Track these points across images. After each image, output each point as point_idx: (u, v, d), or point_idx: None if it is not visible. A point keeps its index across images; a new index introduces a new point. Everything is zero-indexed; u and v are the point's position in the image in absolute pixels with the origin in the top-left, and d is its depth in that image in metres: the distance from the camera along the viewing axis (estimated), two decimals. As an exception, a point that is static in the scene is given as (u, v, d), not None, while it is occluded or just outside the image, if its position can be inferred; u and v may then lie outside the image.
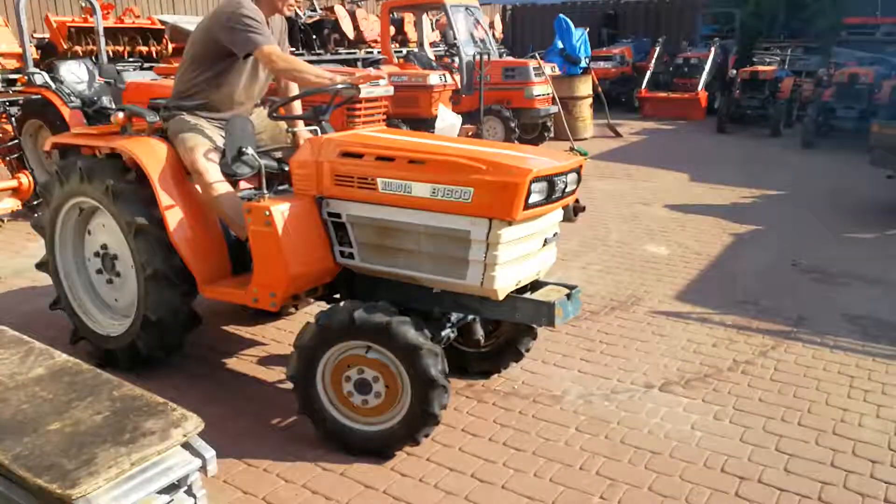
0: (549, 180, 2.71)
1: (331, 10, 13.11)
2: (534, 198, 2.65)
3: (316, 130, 3.15)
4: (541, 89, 10.48)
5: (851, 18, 14.69)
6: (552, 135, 11.14)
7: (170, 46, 10.63)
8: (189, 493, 2.48)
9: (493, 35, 17.62)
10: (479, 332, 3.27)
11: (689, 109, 13.82)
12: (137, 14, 10.52)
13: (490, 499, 2.62)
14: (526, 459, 2.87)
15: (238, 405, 3.29)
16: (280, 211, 2.88)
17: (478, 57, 9.62)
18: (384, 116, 8.14)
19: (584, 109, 11.57)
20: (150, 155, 3.27)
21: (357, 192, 2.91)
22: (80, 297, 3.69)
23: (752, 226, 6.55)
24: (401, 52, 12.22)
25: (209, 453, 2.41)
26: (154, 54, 10.47)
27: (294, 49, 12.09)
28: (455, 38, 10.24)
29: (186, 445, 2.42)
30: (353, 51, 13.21)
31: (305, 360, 2.83)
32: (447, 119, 8.14)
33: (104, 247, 3.55)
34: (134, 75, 7.31)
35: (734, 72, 13.17)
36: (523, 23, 20.66)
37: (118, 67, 7.73)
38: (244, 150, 3.02)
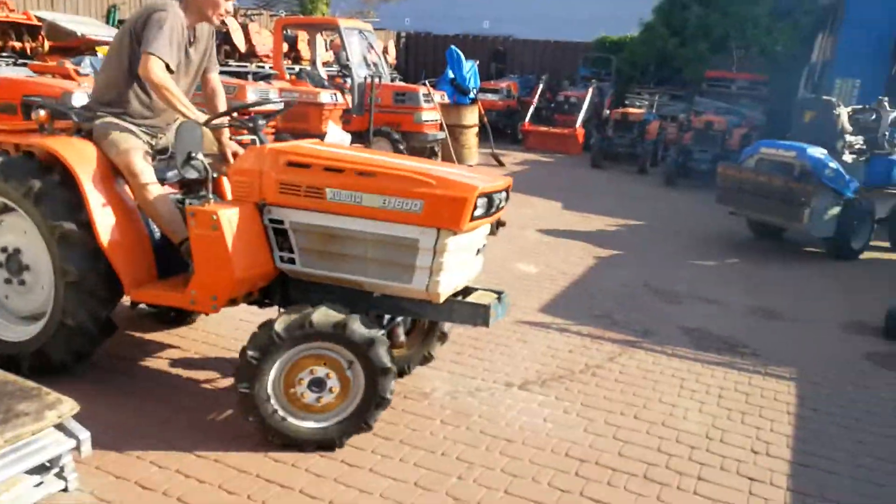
0: (489, 196, 3.02)
1: (223, 22, 12.98)
2: (477, 211, 2.95)
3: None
4: (429, 115, 10.90)
5: (712, 72, 16.24)
6: (439, 160, 11.57)
7: (46, 44, 10.20)
8: (60, 475, 2.54)
9: (386, 60, 18.04)
10: (402, 336, 3.52)
11: (568, 144, 14.75)
12: (12, 8, 10.03)
13: (357, 480, 2.84)
14: (393, 447, 3.11)
15: (121, 400, 3.33)
16: (227, 216, 2.96)
17: (369, 79, 9.93)
18: (273, 131, 8.24)
19: (471, 138, 12.09)
20: (79, 155, 3.22)
21: (303, 200, 3.05)
22: None
23: (614, 251, 7.17)
24: (293, 69, 12.30)
25: (84, 434, 2.51)
26: (28, 51, 10.01)
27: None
28: (348, 60, 10.51)
29: (61, 427, 2.49)
30: (244, 64, 13.14)
31: (257, 366, 2.86)
32: (336, 136, 8.28)
33: (4, 249, 3.40)
34: (6, 70, 7.05)
35: (608, 112, 14.22)
36: (417, 51, 21.27)
37: (-10, 61, 7.42)
38: (194, 155, 3.02)
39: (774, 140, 7.78)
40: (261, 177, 3.09)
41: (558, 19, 24.79)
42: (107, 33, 10.98)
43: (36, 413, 2.40)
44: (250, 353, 2.88)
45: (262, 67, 13.15)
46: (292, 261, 3.18)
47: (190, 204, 3.12)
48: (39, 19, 10.58)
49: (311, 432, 2.98)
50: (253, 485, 2.75)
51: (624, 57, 17.60)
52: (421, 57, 20.97)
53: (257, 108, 3.64)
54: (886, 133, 7.76)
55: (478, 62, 18.24)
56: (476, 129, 12.31)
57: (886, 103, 7.98)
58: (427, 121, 10.86)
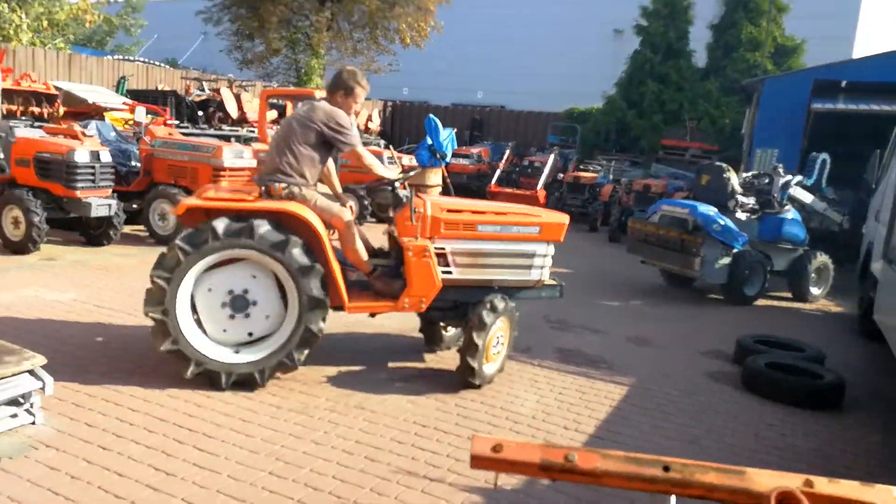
0: None
1: (217, 91, 14.52)
2: None
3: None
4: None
5: (668, 140, 17.68)
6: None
7: (61, 109, 11.61)
8: (30, 412, 3.63)
9: (368, 127, 19.59)
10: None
11: (530, 204, 15.97)
12: (34, 79, 11.48)
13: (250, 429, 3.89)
14: (281, 412, 4.15)
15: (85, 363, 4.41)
16: (430, 247, 4.65)
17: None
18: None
19: (433, 195, 13.29)
20: (310, 215, 4.45)
21: (461, 233, 4.79)
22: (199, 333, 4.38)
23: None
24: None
25: (49, 380, 3.61)
26: (45, 115, 11.41)
27: (179, 122, 13.34)
28: (322, 126, 11.86)
29: (32, 373, 3.59)
30: (235, 128, 14.58)
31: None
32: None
33: (231, 291, 4.37)
34: (24, 131, 8.35)
35: (561, 176, 15.54)
36: (401, 118, 22.94)
37: (10, 124, 8.74)
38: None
39: (673, 199, 8.95)
40: (431, 220, 4.72)
41: (542, 92, 26.63)
42: (115, 101, 12.41)
43: (15, 362, 3.50)
44: None
45: (253, 131, 14.59)
46: (450, 273, 4.82)
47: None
48: (57, 88, 12.04)
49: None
50: (169, 429, 3.81)
51: (587, 126, 19.08)
52: (406, 124, 22.58)
53: (409, 176, 5.00)
54: (777, 195, 8.93)
55: (456, 129, 19.75)
56: (439, 189, 13.53)
57: (781, 169, 9.20)
58: (391, 181, 12.05)
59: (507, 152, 17.48)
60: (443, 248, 4.75)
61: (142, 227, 9.18)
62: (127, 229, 9.52)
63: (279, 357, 4.41)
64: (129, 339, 5.28)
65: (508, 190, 16.57)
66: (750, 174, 9.44)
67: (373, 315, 5.44)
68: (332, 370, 4.97)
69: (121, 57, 17.09)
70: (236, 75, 22.39)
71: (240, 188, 4.80)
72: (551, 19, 31.08)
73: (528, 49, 31.72)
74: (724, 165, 8.90)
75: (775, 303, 9.06)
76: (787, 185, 8.95)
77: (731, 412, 4.95)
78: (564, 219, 5.08)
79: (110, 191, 8.16)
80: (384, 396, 4.58)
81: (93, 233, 8.35)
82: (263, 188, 4.54)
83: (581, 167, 16.34)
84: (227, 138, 11.44)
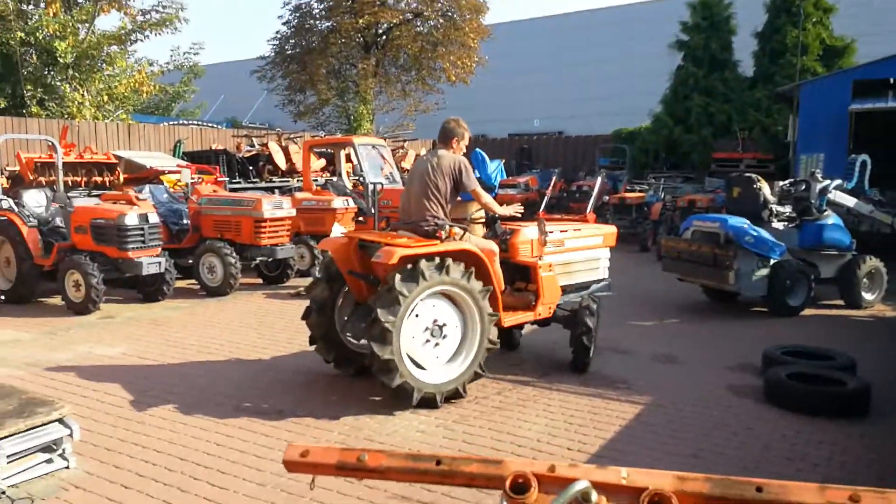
0: None
1: (265, 145, 15.32)
2: None
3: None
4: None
5: (719, 154, 17.37)
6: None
7: (121, 177, 12.54)
8: (63, 457, 4.02)
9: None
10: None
11: (580, 229, 15.98)
12: (95, 151, 12.48)
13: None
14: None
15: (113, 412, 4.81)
16: (552, 263, 5.94)
17: (378, 186, 11.66)
18: (288, 233, 9.99)
19: (476, 228, 13.51)
20: (479, 250, 5.36)
21: (557, 249, 6.00)
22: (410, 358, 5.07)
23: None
24: (329, 180, 14.31)
25: (75, 425, 3.99)
26: (108, 183, 12.35)
27: (231, 178, 14.15)
28: (361, 171, 12.35)
29: (62, 421, 3.98)
30: (286, 179, 15.31)
31: None
32: (337, 233, 9.97)
33: (435, 321, 5.14)
34: (81, 201, 9.14)
35: (607, 198, 15.49)
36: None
37: (70, 195, 9.57)
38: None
39: (705, 214, 8.85)
40: (537, 243, 5.88)
41: (599, 113, 26.64)
42: (171, 164, 13.31)
43: (45, 413, 3.91)
44: None
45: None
46: None
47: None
48: (117, 157, 13.02)
49: None
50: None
51: (636, 146, 18.95)
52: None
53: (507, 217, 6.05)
54: (815, 201, 8.71)
55: (504, 160, 20.05)
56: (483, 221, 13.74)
57: (819, 174, 8.98)
58: (433, 217, 12.37)
59: (554, 179, 17.57)
60: (549, 262, 5.86)
61: (194, 281, 9.78)
62: (182, 284, 10.18)
63: (473, 368, 5.25)
64: (164, 383, 5.69)
65: (557, 216, 16.63)
66: (787, 182, 9.24)
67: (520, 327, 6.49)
68: (345, 402, 5.21)
69: (176, 122, 18.33)
70: (291, 128, 23.50)
71: (397, 234, 5.49)
72: (604, 42, 31.21)
73: (582, 74, 31.91)
74: (753, 176, 8.77)
75: (826, 311, 8.76)
76: (825, 190, 8.72)
77: (744, 425, 4.88)
78: (614, 229, 6.73)
79: (160, 249, 8.78)
80: (393, 427, 4.78)
81: (148, 289, 8.98)
82: (430, 230, 5.32)
83: (627, 188, 16.23)
84: (273, 190, 12.05)
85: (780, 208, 8.70)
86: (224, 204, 9.72)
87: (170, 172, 12.46)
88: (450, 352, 5.24)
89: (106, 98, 17.05)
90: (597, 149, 20.25)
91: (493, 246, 5.60)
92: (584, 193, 16.96)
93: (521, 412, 5.10)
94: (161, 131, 16.27)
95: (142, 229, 8.43)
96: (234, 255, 9.31)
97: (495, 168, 19.65)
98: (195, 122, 19.10)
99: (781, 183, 9.16)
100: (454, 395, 5.21)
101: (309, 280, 9.57)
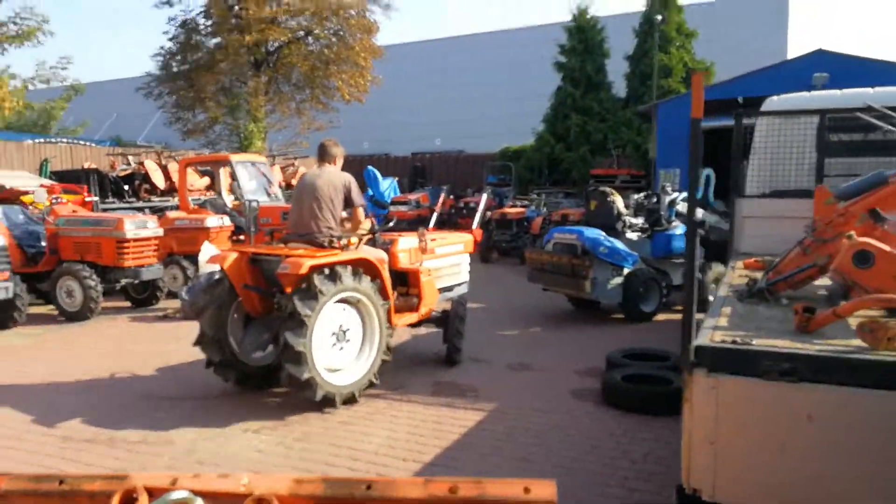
0: None
1: (142, 164, 14.81)
2: None
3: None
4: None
5: (596, 170, 18.19)
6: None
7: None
8: None
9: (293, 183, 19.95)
10: None
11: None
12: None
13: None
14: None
15: None
16: (431, 269, 6.46)
17: (254, 203, 11.50)
18: (155, 253, 9.67)
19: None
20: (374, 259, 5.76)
21: (431, 255, 6.54)
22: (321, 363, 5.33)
23: (433, 328, 8.39)
24: (205, 198, 13.95)
25: None
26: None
27: (103, 198, 13.56)
28: (239, 188, 12.13)
29: None
30: (165, 199, 14.82)
31: None
32: (207, 252, 9.72)
33: (340, 326, 5.45)
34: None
35: (489, 214, 15.91)
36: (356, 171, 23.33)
37: None
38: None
39: (563, 226, 9.26)
40: (416, 251, 6.38)
41: (497, 133, 27.30)
42: (35, 183, 12.61)
43: None
44: None
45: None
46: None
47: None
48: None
49: None
50: None
51: (520, 164, 19.59)
52: (359, 178, 23.03)
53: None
54: (664, 213, 9.29)
55: (397, 178, 20.17)
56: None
57: (669, 188, 9.58)
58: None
59: (443, 196, 17.86)
60: (428, 268, 6.31)
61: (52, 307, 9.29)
62: (42, 309, 9.64)
63: (371, 373, 5.65)
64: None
65: (446, 232, 16.91)
66: (642, 195, 9.80)
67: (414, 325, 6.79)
68: (183, 425, 5.10)
69: (42, 140, 17.41)
70: (179, 146, 22.77)
71: (286, 246, 5.79)
72: (501, 63, 32.11)
73: (481, 94, 32.68)
74: (607, 190, 9.26)
75: (677, 316, 9.27)
76: (673, 202, 9.31)
77: (580, 427, 5.13)
78: (471, 237, 7.34)
79: (9, 273, 8.29)
80: (231, 449, 4.71)
81: (-1, 316, 8.46)
82: (324, 241, 5.58)
83: (507, 203, 16.72)
84: (144, 210, 11.64)
85: (634, 220, 9.22)
86: (84, 224, 9.30)
87: (31, 193, 11.80)
88: (353, 354, 5.64)
89: (-41, 114, 15.99)
90: (485, 166, 20.77)
91: (383, 254, 6.00)
92: (471, 210, 17.32)
93: (365, 425, 5.15)
94: (26, 150, 15.40)
95: (-14, 253, 7.94)
96: (94, 277, 8.91)
97: (388, 186, 19.76)
98: (65, 140, 18.16)
99: (636, 196, 9.71)
100: (350, 400, 5.52)
101: (178, 302, 9.39)
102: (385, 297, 5.77)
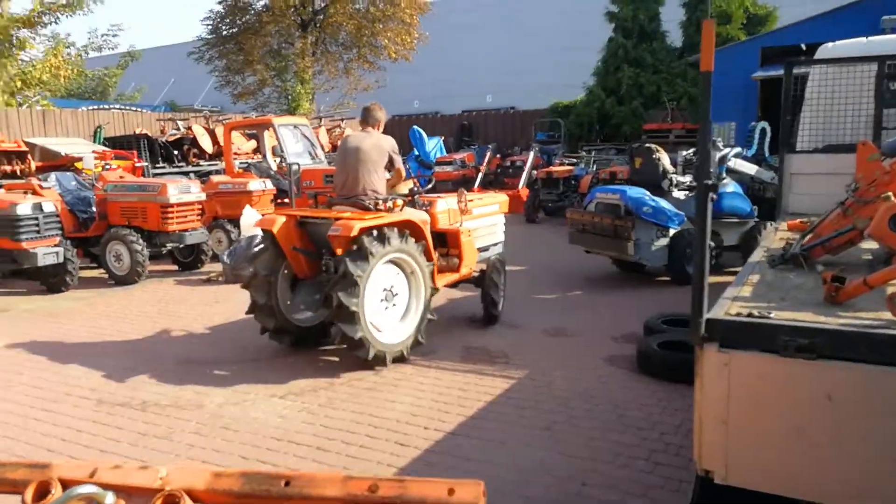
0: None
1: (190, 129, 15.01)
2: None
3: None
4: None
5: (649, 125, 17.51)
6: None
7: (33, 165, 12.18)
8: None
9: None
10: None
11: (513, 204, 16.03)
12: (2, 139, 12.08)
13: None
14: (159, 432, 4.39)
15: None
16: (470, 230, 6.65)
17: (295, 166, 11.54)
18: (199, 218, 9.83)
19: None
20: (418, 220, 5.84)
21: (471, 216, 6.73)
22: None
23: (470, 292, 8.27)
24: (250, 161, 14.10)
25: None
26: (18, 172, 11.99)
27: (154, 164, 13.84)
28: (282, 151, 12.18)
29: None
30: (214, 162, 15.03)
31: None
32: (249, 217, 9.81)
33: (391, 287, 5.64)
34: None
35: (534, 173, 15.56)
36: (392, 132, 23.20)
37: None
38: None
39: (606, 186, 8.94)
40: (455, 212, 6.51)
41: (549, 86, 26.61)
42: (88, 150, 12.96)
43: None
44: None
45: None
46: None
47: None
48: (29, 145, 12.63)
49: None
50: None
51: (570, 120, 19.04)
52: (395, 137, 22.86)
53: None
54: (714, 169, 8.84)
55: (443, 137, 19.93)
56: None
57: (719, 143, 9.10)
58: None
59: (489, 155, 17.58)
60: (468, 228, 6.44)
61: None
62: (94, 273, 9.97)
63: (418, 333, 5.82)
64: (33, 377, 5.57)
65: (482, 192, 16.67)
66: (691, 151, 9.36)
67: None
68: (212, 391, 5.18)
69: (96, 107, 17.83)
70: (231, 110, 23.04)
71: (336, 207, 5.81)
72: (554, 14, 31.07)
73: (531, 48, 31.79)
74: (653, 146, 8.87)
75: (729, 279, 8.89)
76: (724, 158, 8.85)
77: (609, 396, 4.97)
78: (506, 197, 7.49)
79: (59, 238, 8.56)
80: (255, 414, 4.76)
81: (50, 280, 8.77)
82: (370, 204, 5.62)
83: (555, 161, 16.32)
84: (190, 174, 11.82)
85: (682, 178, 8.82)
86: (130, 190, 9.50)
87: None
88: (399, 314, 5.77)
89: (20, 84, 16.45)
90: (533, 123, 20.29)
91: (426, 216, 6.04)
92: (517, 168, 17.02)
93: (390, 392, 5.12)
94: (80, 117, 15.81)
95: (35, 219, 8.21)
96: (141, 242, 9.13)
97: (434, 145, 19.56)
98: (118, 107, 18.60)
99: (684, 153, 9.28)
100: (400, 358, 5.66)
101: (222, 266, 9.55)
102: (429, 257, 5.86)
